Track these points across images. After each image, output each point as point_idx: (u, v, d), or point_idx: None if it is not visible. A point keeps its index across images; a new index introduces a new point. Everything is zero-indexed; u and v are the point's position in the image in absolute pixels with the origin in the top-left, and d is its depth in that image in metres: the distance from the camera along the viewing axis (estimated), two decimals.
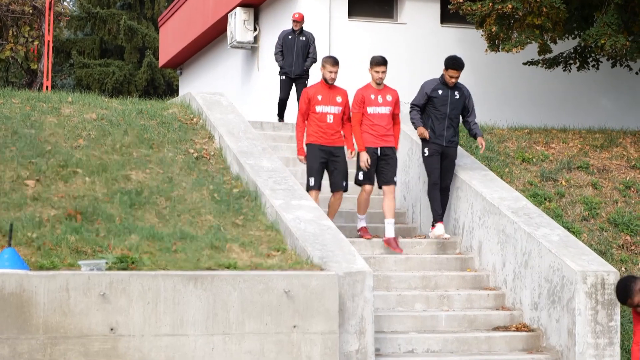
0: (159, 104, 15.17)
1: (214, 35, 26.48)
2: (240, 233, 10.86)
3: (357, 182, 12.75)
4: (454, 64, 12.82)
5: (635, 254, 12.91)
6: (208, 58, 27.97)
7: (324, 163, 12.69)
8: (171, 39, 29.95)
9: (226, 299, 9.37)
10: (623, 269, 12.47)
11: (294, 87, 18.33)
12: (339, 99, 12.74)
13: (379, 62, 12.66)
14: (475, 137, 13.16)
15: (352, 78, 16.27)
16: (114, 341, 9.04)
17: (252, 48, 23.75)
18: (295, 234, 10.55)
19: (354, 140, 12.82)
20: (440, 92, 12.87)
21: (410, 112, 13.05)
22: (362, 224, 12.87)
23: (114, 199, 11.17)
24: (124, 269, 9.34)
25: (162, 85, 41.03)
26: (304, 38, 18.25)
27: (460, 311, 11.48)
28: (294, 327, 9.51)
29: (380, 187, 12.82)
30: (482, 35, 17.35)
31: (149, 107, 14.71)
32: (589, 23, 17.46)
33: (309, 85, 17.12)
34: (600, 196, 14.06)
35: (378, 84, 12.72)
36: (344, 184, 12.80)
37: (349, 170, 13.09)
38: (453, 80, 12.84)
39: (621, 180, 14.58)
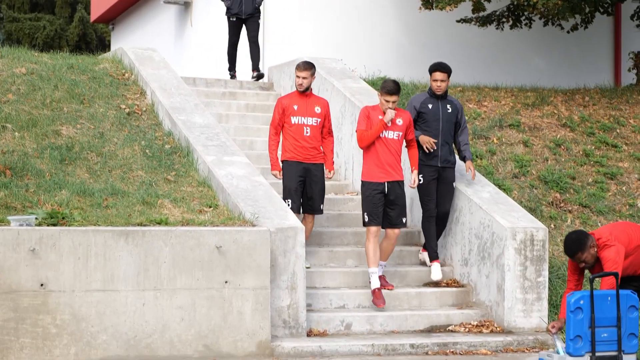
0: (90, 59, 14.99)
1: None
2: (172, 189, 10.82)
3: (364, 224, 10.89)
4: (438, 66, 11.58)
5: (565, 211, 13.07)
6: (141, 13, 27.67)
7: (302, 182, 11.26)
8: None
9: (157, 254, 9.34)
10: (552, 225, 12.64)
11: (244, 29, 16.85)
12: (317, 110, 11.38)
13: (391, 91, 10.79)
14: (464, 160, 11.67)
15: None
16: (44, 297, 8.97)
17: (185, 4, 23.54)
18: (228, 190, 10.53)
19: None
20: (430, 105, 11.49)
21: None
22: (376, 277, 10.82)
23: (44, 154, 11.05)
24: (54, 224, 9.26)
25: (94, 40, 40.53)
26: None
27: (392, 267, 11.56)
28: (226, 282, 9.52)
29: (383, 228, 10.98)
30: None
31: (79, 62, 14.54)
32: None
33: (260, 25, 16.81)
34: (531, 154, 14.19)
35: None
36: (321, 206, 11.44)
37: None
38: (438, 84, 11.48)
39: (552, 138, 14.73)
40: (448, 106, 11.59)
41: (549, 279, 11.30)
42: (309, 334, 10.23)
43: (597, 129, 15.31)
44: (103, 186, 10.58)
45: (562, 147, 14.55)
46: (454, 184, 11.60)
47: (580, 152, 14.57)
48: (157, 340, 9.33)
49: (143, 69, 13.82)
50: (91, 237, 9.16)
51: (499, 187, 12.71)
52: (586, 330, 8.21)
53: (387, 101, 10.79)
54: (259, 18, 16.87)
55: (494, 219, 11.00)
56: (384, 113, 10.82)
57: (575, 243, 8.75)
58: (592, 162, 14.36)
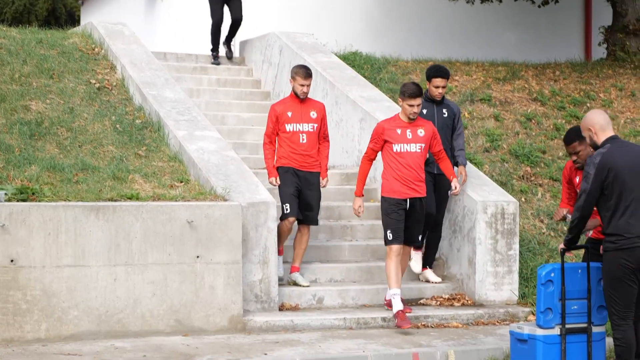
0: (59, 34, 14.88)
1: None
2: (143, 164, 10.78)
3: (386, 242, 10.04)
4: (437, 71, 10.92)
5: (535, 184, 13.13)
6: None
7: (298, 188, 10.70)
8: None
9: (128, 229, 9.31)
10: (523, 199, 12.69)
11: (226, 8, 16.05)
12: (313, 115, 10.75)
13: (414, 94, 9.97)
14: (456, 164, 11.02)
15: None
16: (14, 272, 8.93)
17: None
18: (199, 165, 10.51)
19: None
20: (424, 110, 10.74)
21: None
22: (399, 299, 9.95)
23: (13, 129, 10.98)
24: (24, 200, 9.20)
25: (63, 15, 40.22)
26: None
27: (364, 241, 11.58)
28: (197, 257, 9.51)
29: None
30: None
31: (49, 36, 14.43)
32: None
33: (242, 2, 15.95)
34: (502, 128, 14.23)
35: (411, 119, 10.10)
36: (317, 218, 10.86)
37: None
38: (439, 91, 10.85)
39: (522, 112, 14.77)
40: (444, 110, 10.97)
41: (520, 252, 11.35)
42: (281, 308, 10.25)
43: (567, 103, 15.37)
44: (73, 161, 10.52)
45: (533, 121, 14.60)
46: (449, 192, 10.86)
47: (551, 126, 14.62)
48: (129, 316, 9.31)
49: (113, 43, 13.74)
50: (61, 213, 9.11)
51: (470, 161, 12.74)
52: (556, 302, 8.25)
53: (412, 105, 9.97)
54: None
55: (465, 192, 11.03)
56: (410, 119, 10.01)
57: (576, 132, 8.82)
58: (562, 136, 14.40)
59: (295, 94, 10.75)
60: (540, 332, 8.25)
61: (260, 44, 15.75)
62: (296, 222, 10.76)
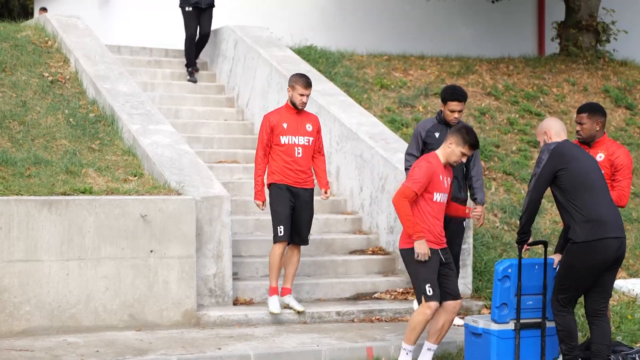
0: (11, 27, 14.72)
1: None
2: (97, 158, 10.72)
3: (425, 298, 8.39)
4: (453, 93, 9.82)
5: (489, 178, 13.20)
6: None
7: (292, 207, 9.97)
8: None
9: (82, 224, 9.25)
10: None
11: None
12: (309, 127, 10.06)
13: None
14: (474, 200, 10.03)
15: None
16: None
17: None
18: (153, 159, 10.46)
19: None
20: (437, 134, 9.81)
21: (407, 169, 9.96)
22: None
23: None
24: None
25: (16, 7, 39.86)
26: None
27: (318, 235, 11.59)
28: (151, 251, 9.47)
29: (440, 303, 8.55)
30: None
31: (1, 29, 14.26)
32: None
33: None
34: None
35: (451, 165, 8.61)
36: (308, 237, 10.18)
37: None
38: (455, 115, 9.79)
39: (476, 106, 14.86)
40: None
41: (474, 245, 11.40)
42: (235, 302, 10.23)
43: (521, 97, 15.48)
44: (26, 155, 10.43)
45: (487, 115, 14.68)
46: (464, 223, 10.16)
47: (505, 121, 14.72)
48: (82, 311, 9.26)
49: (67, 36, 13.63)
50: (13, 207, 9.03)
51: None
52: (512, 297, 8.31)
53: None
54: (213, 8, 15.46)
55: None
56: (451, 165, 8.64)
57: (590, 106, 8.99)
58: (516, 131, 14.52)
59: (292, 104, 9.99)
60: (495, 326, 8.31)
61: (214, 38, 15.70)
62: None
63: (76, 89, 12.43)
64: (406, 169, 9.94)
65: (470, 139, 8.44)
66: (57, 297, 9.17)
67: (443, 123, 9.88)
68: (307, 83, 9.96)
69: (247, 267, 10.78)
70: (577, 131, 8.98)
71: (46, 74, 12.60)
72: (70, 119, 11.49)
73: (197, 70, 15.35)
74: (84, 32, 13.94)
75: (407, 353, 8.46)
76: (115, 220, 9.37)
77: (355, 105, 13.10)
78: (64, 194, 9.48)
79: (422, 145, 9.90)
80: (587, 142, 8.90)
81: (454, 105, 9.76)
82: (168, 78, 15.14)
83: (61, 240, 9.19)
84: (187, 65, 15.29)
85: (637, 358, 8.40)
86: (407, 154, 10.04)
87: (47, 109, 11.62)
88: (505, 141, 14.12)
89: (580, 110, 8.99)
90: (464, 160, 8.52)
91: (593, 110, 8.92)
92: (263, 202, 9.95)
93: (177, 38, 16.48)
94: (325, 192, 10.24)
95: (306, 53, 15.61)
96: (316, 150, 10.18)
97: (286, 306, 10.05)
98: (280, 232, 9.85)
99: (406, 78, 15.34)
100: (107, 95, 11.85)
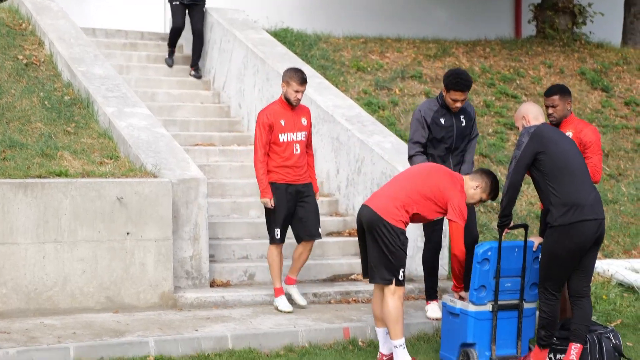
0: None
1: None
2: (72, 141, 10.68)
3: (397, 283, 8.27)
4: (457, 83, 9.20)
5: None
6: None
7: (292, 207, 9.80)
8: None
9: (57, 206, 9.23)
10: None
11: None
12: (304, 122, 9.80)
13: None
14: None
15: None
16: None
17: None
18: (129, 142, 10.44)
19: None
20: (443, 120, 9.34)
21: (412, 156, 9.42)
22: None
23: None
24: None
25: None
26: None
27: None
28: (128, 234, 9.46)
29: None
30: None
31: None
32: None
33: (205, 11, 15.06)
34: None
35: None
36: (318, 230, 9.86)
37: None
38: (457, 105, 9.28)
39: None
40: (462, 118, 9.47)
41: None
42: (212, 284, 10.24)
43: (497, 80, 15.51)
44: (0, 138, 10.39)
45: None
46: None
47: (481, 103, 14.75)
48: (58, 293, 9.24)
49: (41, 19, 13.56)
50: None
51: (401, 137, 12.81)
52: (491, 280, 8.34)
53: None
54: (204, 6, 15.09)
55: (396, 169, 11.07)
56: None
57: (559, 87, 9.06)
58: (492, 113, 14.56)
59: (287, 100, 9.70)
60: (472, 308, 8.34)
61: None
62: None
63: (51, 71, 12.37)
64: (410, 157, 9.42)
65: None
66: (34, 279, 9.15)
67: (446, 107, 9.38)
68: (303, 79, 9.64)
69: (224, 249, 10.78)
70: (550, 114, 9.02)
71: (20, 57, 12.53)
72: (46, 102, 11.44)
73: (197, 70, 14.95)
74: (58, 14, 13.87)
75: (403, 348, 8.23)
76: (92, 202, 9.34)
77: (332, 87, 13.10)
78: (40, 176, 9.46)
79: (428, 132, 9.35)
80: (558, 123, 8.95)
81: (457, 95, 9.24)
82: (144, 61, 15.08)
83: (37, 223, 9.16)
84: (169, 49, 15.07)
85: (611, 337, 8.45)
86: (414, 142, 9.37)
87: (22, 92, 11.57)
88: (482, 123, 14.15)
89: (550, 93, 9.03)
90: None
91: (563, 91, 9.00)
92: (271, 198, 9.62)
93: (153, 21, 16.42)
94: (316, 195, 9.99)
95: (282, 36, 15.59)
96: (307, 145, 9.91)
97: (288, 296, 9.86)
98: (277, 235, 9.69)
99: (383, 61, 15.34)
100: (82, 78, 11.81)
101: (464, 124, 9.44)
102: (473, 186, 8.45)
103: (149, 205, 9.54)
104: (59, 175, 9.56)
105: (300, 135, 9.75)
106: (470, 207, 9.07)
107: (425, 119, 9.32)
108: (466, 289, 8.48)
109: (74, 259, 9.29)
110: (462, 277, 8.38)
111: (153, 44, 15.70)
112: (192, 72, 14.95)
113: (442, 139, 9.35)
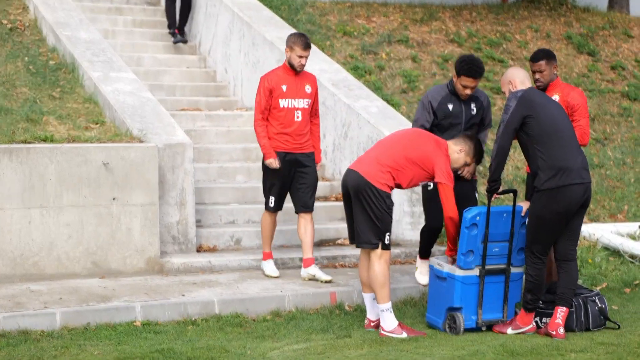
0: None
1: None
2: (57, 106, 10.64)
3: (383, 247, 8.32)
4: (470, 69, 8.87)
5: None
6: None
7: (288, 176, 9.62)
8: None
9: (43, 171, 9.20)
10: None
11: None
12: (308, 89, 9.60)
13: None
14: None
15: None
16: None
17: None
18: (115, 106, 10.39)
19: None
20: (450, 106, 8.99)
21: None
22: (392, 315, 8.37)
23: None
24: None
25: None
26: None
27: None
28: (114, 199, 9.44)
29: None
30: None
31: None
32: None
33: None
34: (419, 69, 14.29)
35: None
36: (312, 201, 9.71)
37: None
38: (467, 91, 8.94)
39: (439, 53, 14.84)
40: (473, 105, 9.12)
41: None
42: (199, 249, 10.24)
43: (484, 44, 15.48)
44: None
45: (450, 62, 14.66)
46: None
47: None
48: (44, 259, 9.23)
49: None
50: None
51: (388, 102, 12.78)
52: (479, 245, 8.34)
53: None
54: None
55: (382, 133, 11.07)
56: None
57: (545, 52, 9.03)
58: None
59: (290, 65, 9.51)
60: (459, 272, 8.34)
61: None
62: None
63: (36, 36, 12.31)
64: None
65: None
66: (20, 245, 9.14)
67: (455, 94, 9.04)
68: (307, 44, 9.45)
69: (211, 214, 10.77)
70: (537, 79, 9.00)
71: (5, 22, 12.46)
72: (30, 67, 11.38)
73: (183, 34, 14.80)
74: None
75: (390, 312, 8.21)
76: (77, 168, 9.31)
77: (318, 52, 13.05)
78: (25, 142, 9.42)
79: (434, 117, 9.01)
80: (545, 87, 8.95)
81: (468, 81, 8.89)
82: (129, 25, 15.00)
83: (22, 188, 9.13)
84: (168, 27, 14.90)
85: (597, 300, 8.48)
86: (418, 125, 9.03)
87: (7, 57, 11.51)
88: None
89: (536, 59, 9.01)
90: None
91: (549, 56, 8.99)
92: (275, 158, 9.43)
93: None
94: (317, 163, 9.81)
95: (268, 0, 15.51)
96: (313, 113, 9.72)
97: (312, 277, 9.57)
98: (271, 203, 9.59)
99: (369, 25, 15.29)
100: (67, 42, 11.74)
101: (474, 112, 9.12)
102: (457, 150, 8.44)
103: (135, 170, 9.51)
104: (45, 140, 9.52)
105: (303, 103, 9.53)
106: (471, 189, 9.13)
107: (432, 104, 9.01)
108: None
109: (60, 224, 9.27)
110: (457, 240, 8.38)
111: (139, 9, 15.61)
112: (178, 36, 14.81)
113: (449, 125, 9.02)
